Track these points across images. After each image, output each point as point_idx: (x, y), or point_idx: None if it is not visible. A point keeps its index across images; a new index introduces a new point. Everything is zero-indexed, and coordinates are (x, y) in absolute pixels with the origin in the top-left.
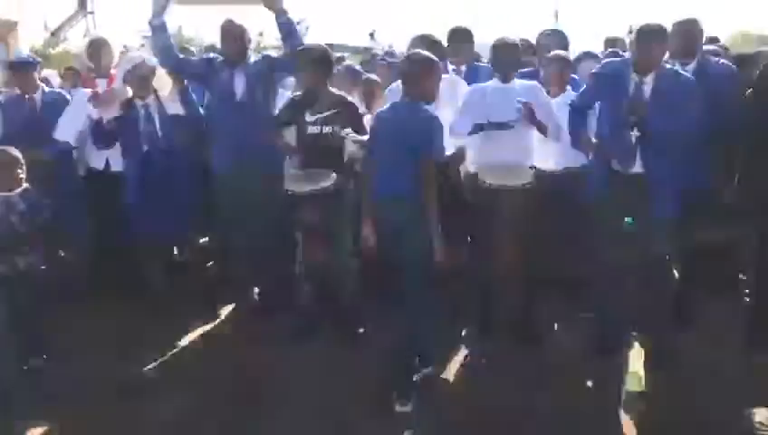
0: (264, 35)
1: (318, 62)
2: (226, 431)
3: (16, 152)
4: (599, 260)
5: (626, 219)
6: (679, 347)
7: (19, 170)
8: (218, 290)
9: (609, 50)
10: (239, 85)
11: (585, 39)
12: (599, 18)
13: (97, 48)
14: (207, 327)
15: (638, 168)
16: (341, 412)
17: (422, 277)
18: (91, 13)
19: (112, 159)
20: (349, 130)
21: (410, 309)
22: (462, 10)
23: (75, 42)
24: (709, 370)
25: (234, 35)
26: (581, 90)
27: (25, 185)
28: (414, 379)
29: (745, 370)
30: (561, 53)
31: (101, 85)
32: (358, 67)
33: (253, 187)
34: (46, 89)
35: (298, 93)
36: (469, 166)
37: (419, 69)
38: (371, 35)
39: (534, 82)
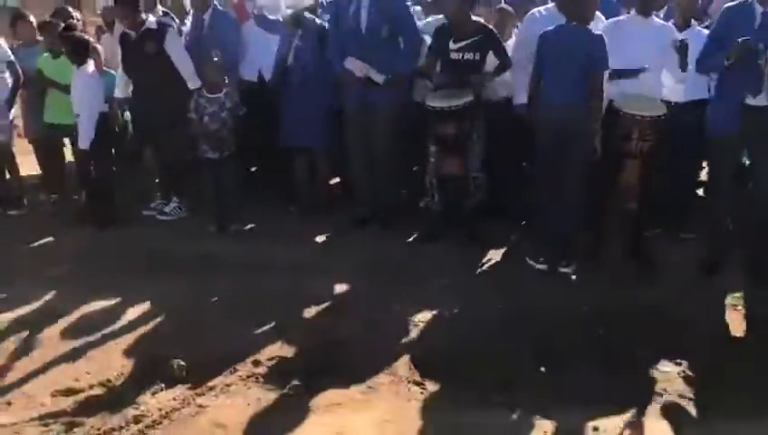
0: None
1: None
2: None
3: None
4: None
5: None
6: None
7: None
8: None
9: None
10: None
11: None
12: None
13: None
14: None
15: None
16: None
17: (582, 170)
18: None
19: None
20: (493, 58)
21: (569, 194)
22: None
23: None
24: None
25: None
26: (713, 24)
27: (226, 88)
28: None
29: None
30: None
31: (250, 6)
32: None
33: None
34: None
35: (444, 22)
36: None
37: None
38: None
39: (669, 24)
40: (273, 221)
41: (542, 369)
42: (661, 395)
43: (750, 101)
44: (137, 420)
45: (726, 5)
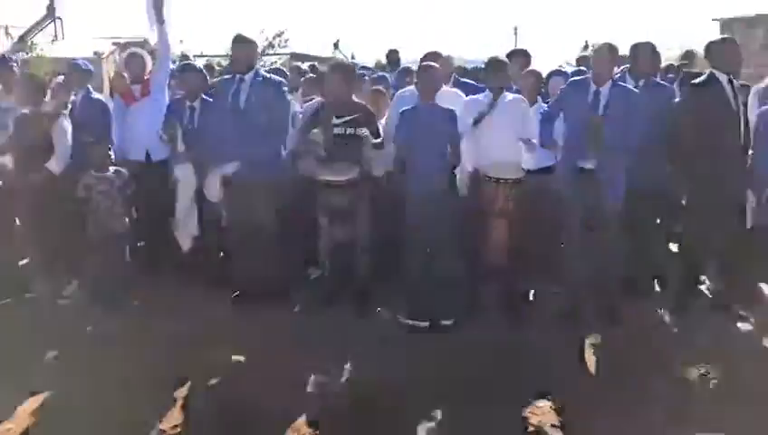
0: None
1: (348, 76)
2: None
3: None
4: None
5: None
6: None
7: None
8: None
9: (576, 68)
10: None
11: (543, 52)
12: (556, 32)
13: (132, 58)
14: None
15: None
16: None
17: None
18: (59, 18)
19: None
20: (365, 130)
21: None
22: (423, 24)
23: (45, 47)
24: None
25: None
26: (551, 101)
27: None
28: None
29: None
30: (535, 69)
31: (136, 90)
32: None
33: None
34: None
35: (326, 101)
36: (467, 164)
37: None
38: (336, 45)
39: (520, 96)
40: (165, 295)
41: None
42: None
43: (583, 164)
44: None
45: (562, 87)
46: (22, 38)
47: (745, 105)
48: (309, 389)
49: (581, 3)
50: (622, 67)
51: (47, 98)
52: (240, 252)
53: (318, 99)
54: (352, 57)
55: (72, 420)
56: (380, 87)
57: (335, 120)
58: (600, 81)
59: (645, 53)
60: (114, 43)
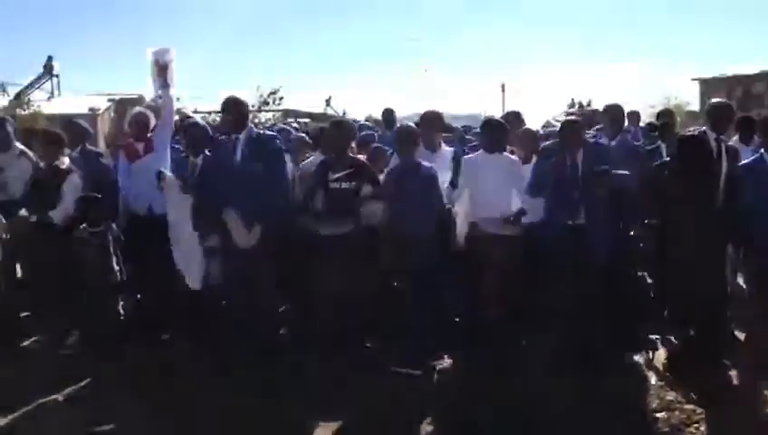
0: None
1: (347, 133)
2: None
3: None
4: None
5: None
6: None
7: None
8: None
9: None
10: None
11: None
12: (542, 89)
13: (138, 117)
14: None
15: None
16: None
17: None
18: (57, 75)
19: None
20: (368, 187)
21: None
22: (412, 80)
23: (43, 104)
24: None
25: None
26: (533, 167)
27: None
28: None
29: None
30: (531, 129)
31: (140, 147)
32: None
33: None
34: None
35: (325, 158)
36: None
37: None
38: (327, 102)
39: (515, 157)
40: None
41: None
42: None
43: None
44: None
45: (543, 146)
46: (18, 95)
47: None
48: None
49: (567, 61)
50: (596, 127)
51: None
52: (236, 308)
53: (315, 157)
54: (344, 113)
55: None
56: (381, 145)
57: (330, 176)
58: (574, 147)
59: (617, 112)
60: (109, 100)
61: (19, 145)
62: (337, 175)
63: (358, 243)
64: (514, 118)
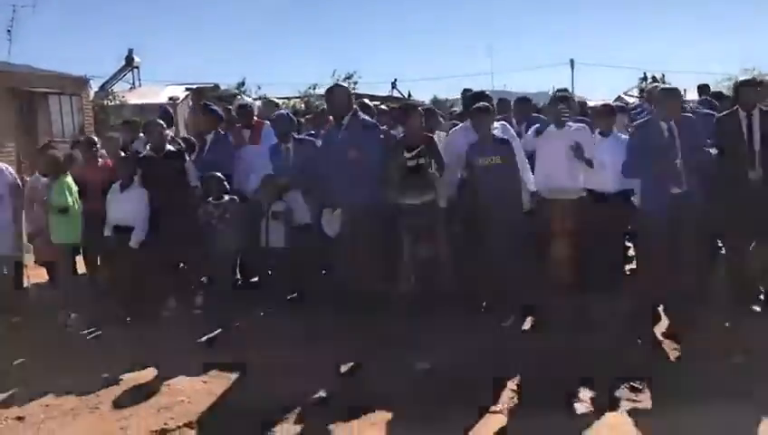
0: None
1: (419, 113)
2: None
3: None
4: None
5: None
6: None
7: None
8: None
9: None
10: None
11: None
12: (609, 63)
13: (242, 108)
14: None
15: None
16: None
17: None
18: (137, 67)
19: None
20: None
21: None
22: (480, 60)
23: (126, 95)
24: None
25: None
26: (628, 142)
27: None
28: None
29: None
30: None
31: (246, 135)
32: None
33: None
34: None
35: (401, 136)
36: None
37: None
38: (393, 84)
39: (583, 125)
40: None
41: None
42: None
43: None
44: None
45: (635, 124)
46: (102, 87)
47: None
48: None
49: (636, 33)
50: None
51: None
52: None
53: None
54: (409, 95)
55: None
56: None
57: (406, 154)
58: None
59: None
60: (187, 89)
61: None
62: (411, 154)
63: (437, 210)
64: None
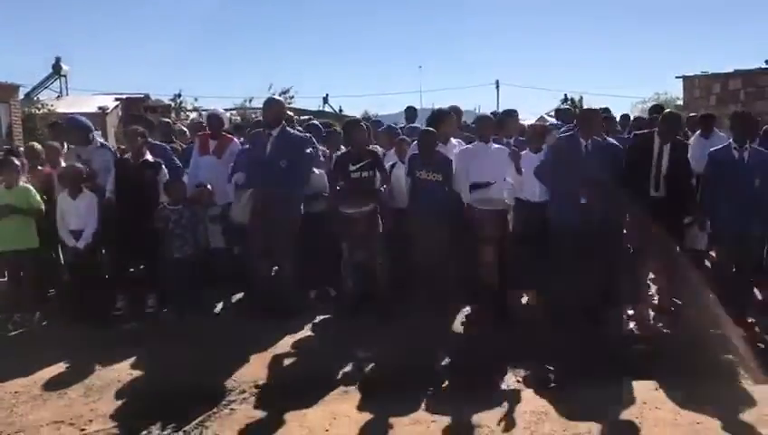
0: None
1: (364, 129)
2: None
3: None
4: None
5: None
6: None
7: None
8: None
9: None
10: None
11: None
12: (533, 84)
13: (212, 117)
14: None
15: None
16: None
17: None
18: (65, 75)
19: None
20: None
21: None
22: (408, 78)
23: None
24: None
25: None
26: (549, 149)
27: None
28: None
29: None
30: (539, 125)
31: (212, 144)
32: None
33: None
34: None
35: (345, 151)
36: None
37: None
38: (325, 100)
39: (503, 146)
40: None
41: None
42: None
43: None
44: None
45: (559, 136)
46: (28, 95)
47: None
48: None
49: (558, 57)
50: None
51: None
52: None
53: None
54: (340, 110)
55: None
56: (405, 138)
57: (351, 167)
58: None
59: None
60: (116, 99)
61: (99, 138)
62: (357, 166)
63: (375, 220)
64: (508, 115)
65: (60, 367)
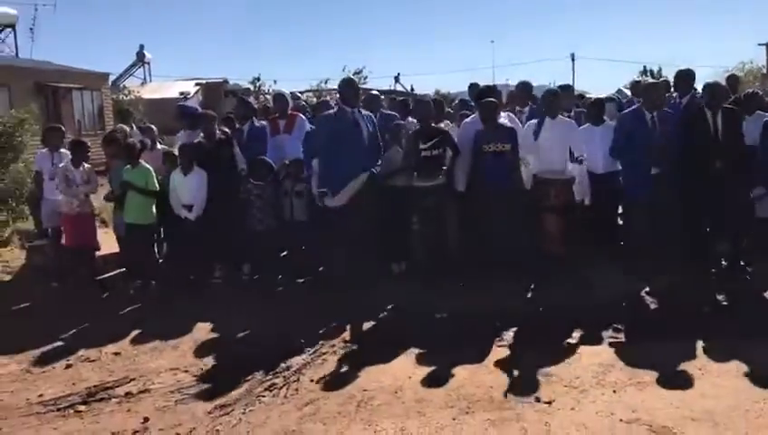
0: None
1: (432, 108)
2: None
3: None
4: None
5: None
6: None
7: None
8: None
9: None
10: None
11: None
12: (610, 57)
13: (278, 97)
14: None
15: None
16: None
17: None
18: (148, 63)
19: None
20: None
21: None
22: (481, 54)
23: (137, 90)
24: None
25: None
26: (615, 127)
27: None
28: None
29: None
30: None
31: (281, 124)
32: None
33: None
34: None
35: (417, 128)
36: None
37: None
38: (396, 79)
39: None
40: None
41: None
42: None
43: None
44: None
45: (623, 113)
46: (114, 83)
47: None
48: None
49: (637, 28)
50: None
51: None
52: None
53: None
54: (412, 89)
55: None
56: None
57: (422, 145)
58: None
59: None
60: (196, 84)
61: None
62: (427, 144)
63: (447, 192)
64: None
65: (171, 325)
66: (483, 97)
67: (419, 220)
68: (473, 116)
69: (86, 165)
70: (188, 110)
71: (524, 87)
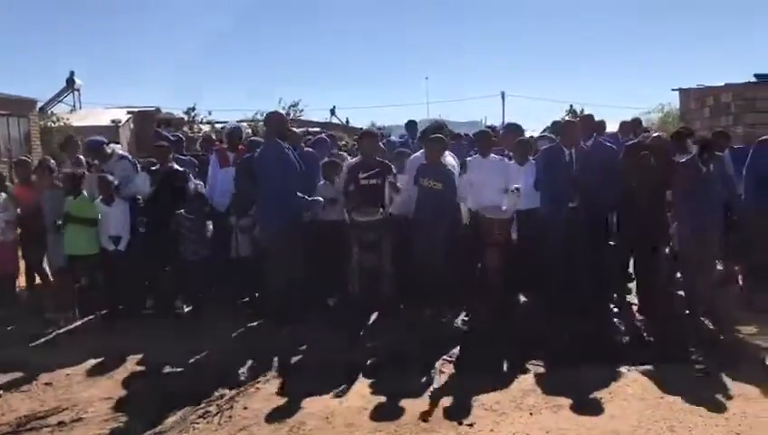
0: None
1: (376, 140)
2: None
3: None
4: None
5: None
6: None
7: None
8: None
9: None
10: None
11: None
12: (539, 95)
13: (232, 130)
14: None
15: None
16: None
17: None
18: (78, 89)
19: None
20: (391, 178)
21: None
22: (415, 90)
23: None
24: None
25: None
26: (536, 162)
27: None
28: None
29: None
30: (525, 137)
31: (231, 156)
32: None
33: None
34: None
35: (355, 161)
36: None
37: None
38: (332, 111)
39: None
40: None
41: None
42: None
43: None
44: None
45: (543, 148)
46: (42, 109)
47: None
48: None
49: (564, 68)
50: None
51: None
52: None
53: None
54: (347, 122)
55: None
56: (404, 150)
57: (361, 175)
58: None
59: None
60: (128, 112)
61: (119, 150)
62: (367, 174)
63: (386, 227)
64: (516, 129)
65: (104, 355)
66: (432, 133)
67: (359, 254)
68: (421, 151)
69: (3, 194)
70: (91, 144)
71: (516, 129)
